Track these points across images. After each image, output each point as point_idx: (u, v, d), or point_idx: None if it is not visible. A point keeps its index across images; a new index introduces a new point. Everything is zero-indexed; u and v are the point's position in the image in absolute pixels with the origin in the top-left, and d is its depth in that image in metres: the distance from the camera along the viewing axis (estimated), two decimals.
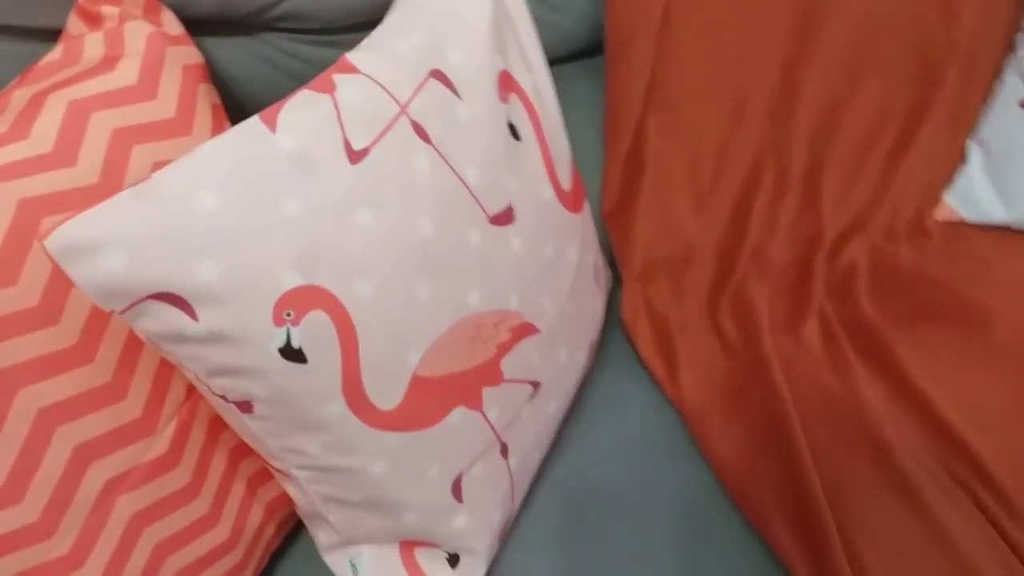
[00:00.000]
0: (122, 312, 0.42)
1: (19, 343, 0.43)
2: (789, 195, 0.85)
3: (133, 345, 0.49)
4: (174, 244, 0.41)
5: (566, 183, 0.62)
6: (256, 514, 0.58)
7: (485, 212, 0.53)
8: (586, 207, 0.66)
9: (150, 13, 0.56)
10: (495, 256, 0.54)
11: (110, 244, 0.39)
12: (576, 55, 0.78)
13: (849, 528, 0.65)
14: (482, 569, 0.62)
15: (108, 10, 0.54)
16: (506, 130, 0.56)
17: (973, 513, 0.67)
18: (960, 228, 0.90)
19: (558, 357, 0.63)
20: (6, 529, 0.44)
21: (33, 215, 0.43)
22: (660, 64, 0.75)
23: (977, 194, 0.88)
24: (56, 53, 0.53)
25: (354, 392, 0.48)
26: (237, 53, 0.62)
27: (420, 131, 0.50)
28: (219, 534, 0.55)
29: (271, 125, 0.45)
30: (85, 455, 0.47)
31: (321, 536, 0.60)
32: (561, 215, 0.61)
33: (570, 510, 0.68)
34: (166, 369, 0.51)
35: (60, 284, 0.45)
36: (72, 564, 0.47)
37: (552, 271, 0.59)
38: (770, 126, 0.82)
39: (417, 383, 0.51)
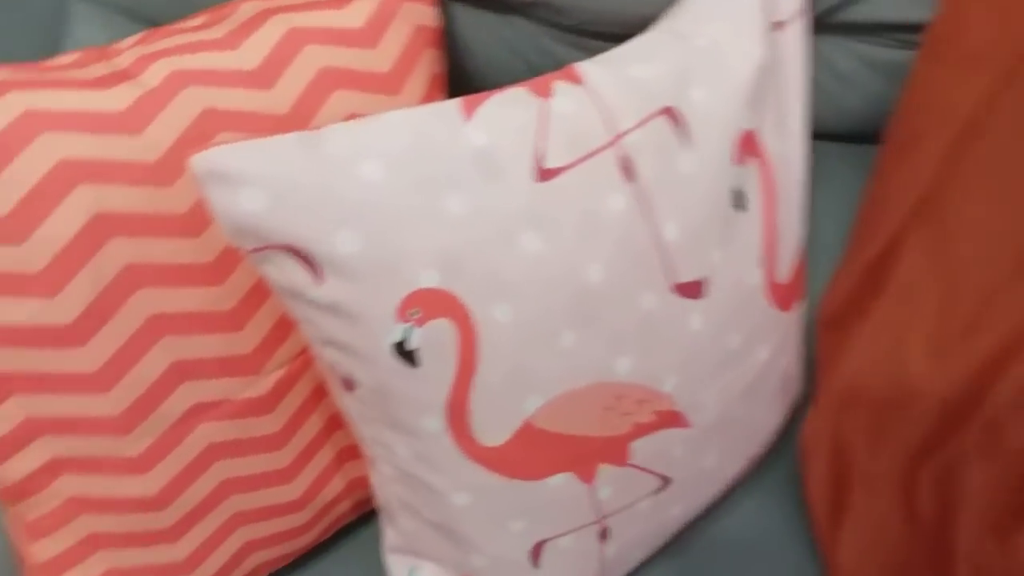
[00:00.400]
0: (250, 252, 0.40)
1: (155, 245, 0.43)
2: None
3: (266, 283, 0.47)
4: (323, 203, 0.38)
5: (784, 275, 0.52)
6: (336, 486, 0.56)
7: (671, 277, 0.45)
8: (797, 308, 0.56)
9: None
10: (665, 328, 0.46)
11: (256, 183, 0.37)
12: (844, 136, 0.67)
13: None
14: None
15: None
16: (728, 195, 0.48)
17: None
18: None
19: (704, 461, 0.54)
20: (87, 413, 0.44)
21: (211, 126, 0.42)
22: (945, 176, 0.62)
23: None
24: None
25: (457, 415, 0.43)
26: (480, 29, 0.59)
27: (627, 168, 0.44)
28: (291, 491, 0.53)
29: (468, 114, 0.41)
30: (182, 371, 0.46)
31: (389, 534, 0.56)
32: (763, 309, 0.51)
33: None
34: (292, 320, 0.49)
35: None
36: (137, 467, 0.47)
37: (729, 366, 0.51)
38: None
39: (527, 431, 0.44)
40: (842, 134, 0.66)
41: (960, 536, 0.63)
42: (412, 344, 0.41)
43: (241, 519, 0.52)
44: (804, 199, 0.52)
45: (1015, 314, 0.68)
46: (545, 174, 0.41)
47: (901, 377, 0.69)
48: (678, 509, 0.55)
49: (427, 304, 0.40)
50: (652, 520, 0.54)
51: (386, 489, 0.51)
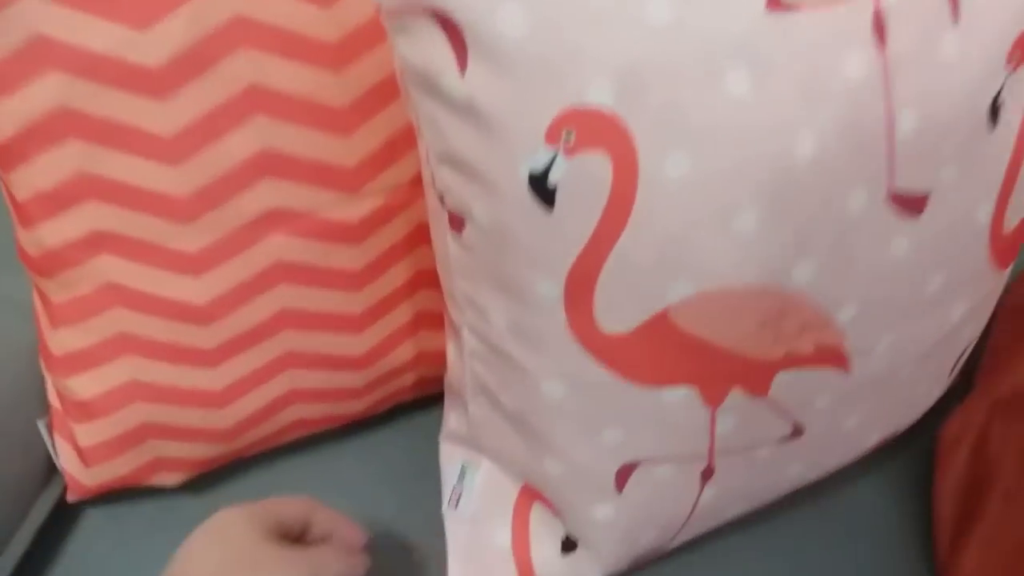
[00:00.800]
0: (390, 13, 0.31)
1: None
2: None
3: (391, 85, 0.38)
4: None
5: (1012, 221, 0.41)
6: (404, 352, 0.48)
7: (891, 180, 0.35)
8: (1007, 270, 0.45)
9: None
10: (864, 241, 0.36)
11: None
12: None
13: None
14: (596, 574, 0.47)
15: None
16: (987, 104, 0.36)
17: None
18: None
19: (847, 420, 0.44)
20: (148, 185, 0.37)
21: None
22: None
23: None
24: None
25: (582, 283, 0.34)
26: None
27: (879, 28, 0.33)
28: (355, 344, 0.45)
29: None
30: (267, 164, 0.38)
31: (452, 420, 0.48)
32: (978, 255, 0.41)
33: None
34: (407, 138, 0.40)
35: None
36: (192, 265, 0.40)
37: (918, 314, 0.40)
38: None
39: (660, 325, 0.35)
40: None
41: None
42: (555, 176, 0.32)
43: (293, 360, 0.44)
44: None
45: None
46: (780, 4, 0.31)
47: None
48: (797, 468, 0.46)
49: (587, 127, 0.31)
50: (766, 473, 0.45)
51: (464, 366, 0.43)
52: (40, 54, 0.33)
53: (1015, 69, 0.37)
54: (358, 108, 0.38)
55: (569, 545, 0.47)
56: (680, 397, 0.38)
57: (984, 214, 0.39)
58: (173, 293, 0.40)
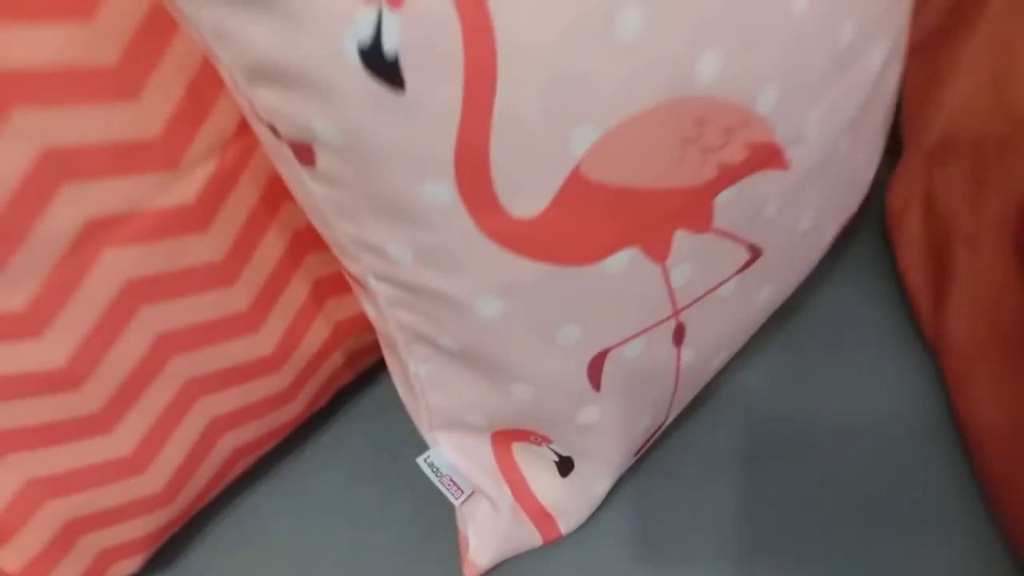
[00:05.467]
0: None
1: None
2: None
3: (162, 27, 0.31)
4: None
5: None
6: (318, 332, 0.42)
7: None
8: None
9: None
10: (763, 8, 0.31)
11: None
12: None
13: None
14: (604, 485, 0.43)
15: None
16: None
17: None
18: None
19: (799, 221, 0.40)
20: None
21: None
22: None
23: None
24: None
25: (473, 169, 0.29)
26: None
27: None
28: (257, 345, 0.39)
29: None
30: (59, 164, 0.30)
31: (404, 395, 0.43)
32: None
33: (748, 444, 0.47)
34: (209, 74, 0.33)
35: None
36: (26, 326, 0.32)
37: (839, 73, 0.36)
38: None
39: (577, 185, 0.30)
40: None
41: None
42: (389, 43, 0.25)
43: (197, 388, 0.38)
44: None
45: None
46: None
47: (1008, 109, 0.55)
48: (767, 291, 0.42)
49: None
50: (737, 309, 0.41)
51: (389, 321, 0.37)
52: None
53: None
54: (132, 59, 0.30)
55: (566, 465, 0.42)
56: (625, 263, 0.33)
57: None
58: (22, 365, 0.32)
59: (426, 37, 0.25)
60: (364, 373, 0.50)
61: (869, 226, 0.56)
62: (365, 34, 0.25)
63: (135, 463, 0.37)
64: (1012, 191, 0.55)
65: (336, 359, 0.44)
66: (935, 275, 0.53)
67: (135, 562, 0.41)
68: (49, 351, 0.33)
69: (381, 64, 0.26)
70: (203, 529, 0.46)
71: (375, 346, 0.45)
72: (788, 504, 0.44)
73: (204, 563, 0.44)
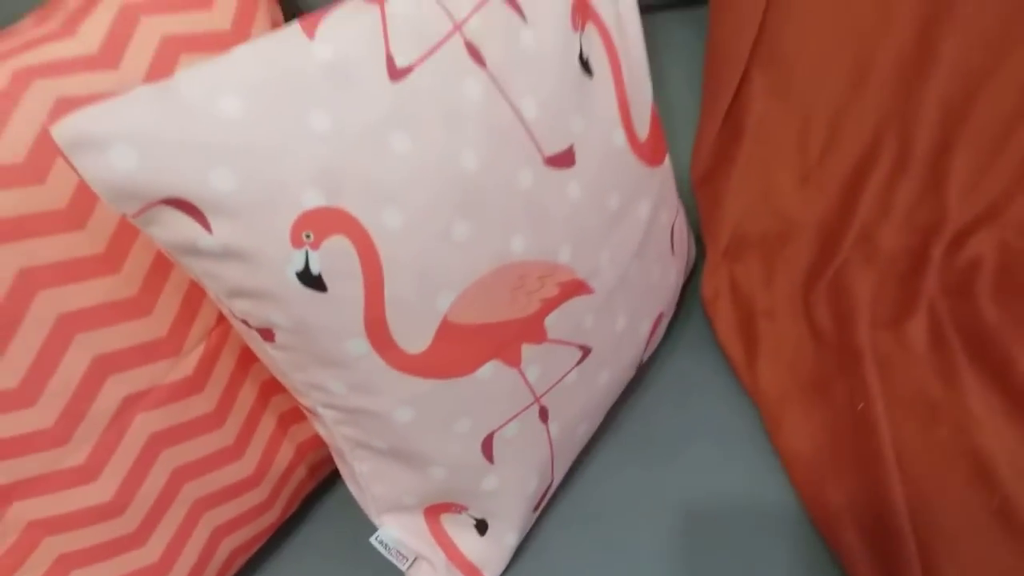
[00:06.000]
0: (134, 216, 0.40)
1: (42, 244, 0.43)
2: (910, 174, 0.75)
3: (163, 262, 0.47)
4: (190, 147, 0.39)
5: (642, 131, 0.56)
6: (286, 453, 0.57)
7: (541, 151, 0.48)
8: (667, 164, 0.61)
9: None
10: (547, 201, 0.49)
11: (121, 139, 0.37)
12: (681, 2, 0.71)
13: (933, 548, 0.57)
14: (514, 538, 0.58)
15: None
16: (577, 63, 0.51)
17: None
18: None
19: (615, 324, 0.57)
20: (19, 431, 0.44)
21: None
22: (773, 12, 0.67)
23: None
24: None
25: (378, 330, 0.45)
26: None
27: (475, 53, 0.46)
28: (243, 468, 0.54)
29: (310, 33, 0.42)
30: (104, 367, 0.46)
31: (354, 490, 0.57)
32: (633, 166, 0.55)
33: (621, 491, 0.63)
34: (197, 291, 0.49)
35: (89, 189, 0.44)
36: (86, 475, 0.47)
37: (615, 226, 0.54)
38: (897, 94, 0.73)
39: (447, 328, 0.47)
40: (677, 1, 0.71)
41: (859, 336, 0.70)
42: (315, 268, 0.42)
43: (202, 506, 0.52)
44: (644, 56, 0.56)
45: (864, 125, 0.74)
46: (398, 73, 0.43)
47: (777, 212, 0.74)
48: (605, 375, 0.59)
49: (317, 224, 0.42)
50: (584, 391, 0.57)
51: (335, 435, 0.52)
52: None
53: (582, 29, 0.52)
54: (147, 290, 0.47)
55: (481, 526, 0.57)
56: (490, 371, 0.50)
57: (618, 138, 0.53)
58: (84, 503, 0.47)
59: (338, 263, 0.42)
60: (324, 482, 0.65)
61: (697, 314, 0.74)
62: (299, 265, 0.42)
63: (161, 568, 0.51)
64: (794, 273, 0.75)
65: (301, 471, 0.59)
66: (745, 343, 0.71)
67: None
68: (101, 490, 0.47)
69: (310, 279, 0.42)
70: None
71: (329, 458, 0.60)
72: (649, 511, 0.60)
73: None
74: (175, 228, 0.41)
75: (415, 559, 0.57)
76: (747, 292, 0.73)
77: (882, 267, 0.75)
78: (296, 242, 0.41)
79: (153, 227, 0.41)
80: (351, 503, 0.58)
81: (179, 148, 0.39)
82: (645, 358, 0.66)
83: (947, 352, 0.70)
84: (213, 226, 0.40)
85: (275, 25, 0.53)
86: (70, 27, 0.45)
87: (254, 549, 0.59)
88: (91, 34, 0.45)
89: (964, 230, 0.77)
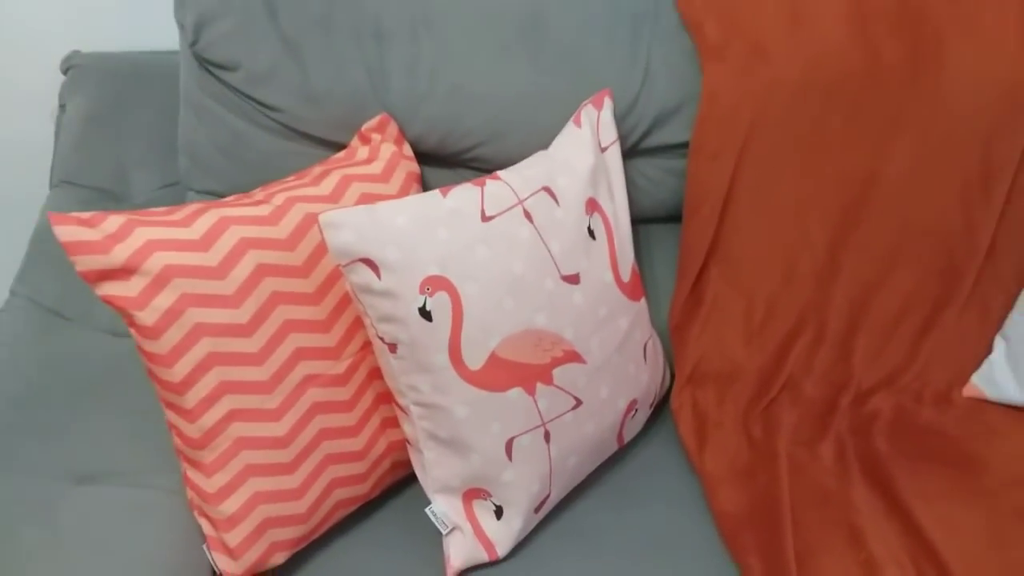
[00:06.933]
0: (344, 266, 0.78)
1: (285, 282, 0.81)
2: (825, 347, 1.08)
3: (344, 304, 0.85)
4: (379, 235, 0.77)
5: (625, 276, 0.93)
6: (381, 445, 0.89)
7: (559, 271, 0.85)
8: (643, 302, 0.96)
9: (397, 143, 0.97)
10: (561, 300, 0.85)
11: (347, 226, 0.76)
12: (667, 219, 1.10)
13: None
14: (519, 524, 0.87)
15: (375, 136, 0.96)
16: (586, 230, 0.89)
17: None
18: (981, 404, 1.07)
19: (600, 391, 0.90)
20: (249, 379, 0.79)
21: (310, 224, 0.82)
22: (724, 226, 1.05)
23: (998, 379, 1.07)
24: (343, 152, 0.95)
25: (455, 351, 0.80)
26: (441, 173, 1.03)
27: (528, 216, 0.85)
28: (356, 443, 0.87)
29: (444, 194, 0.82)
30: (299, 354, 0.82)
31: (420, 475, 0.89)
32: (615, 295, 0.91)
33: (599, 518, 0.92)
34: (357, 326, 0.86)
35: (322, 254, 0.82)
36: (275, 416, 0.81)
37: (602, 327, 0.89)
38: (815, 289, 1.08)
39: (494, 359, 0.81)
40: (662, 217, 1.10)
41: (781, 450, 1.00)
42: (428, 307, 0.78)
43: (329, 460, 0.85)
44: (630, 235, 0.94)
45: (791, 308, 1.09)
46: (486, 218, 0.82)
47: (728, 359, 1.08)
48: (591, 426, 0.91)
49: (433, 284, 0.78)
50: (576, 431, 0.89)
51: (416, 428, 0.85)
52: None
53: (591, 215, 0.90)
54: (332, 317, 0.83)
55: (499, 512, 0.87)
56: (516, 394, 0.83)
57: (608, 276, 0.90)
58: (269, 433, 0.80)
59: (440, 307, 0.78)
60: (396, 488, 0.95)
61: (669, 421, 1.05)
62: (420, 303, 0.78)
63: (300, 492, 0.82)
64: (738, 402, 1.07)
65: (387, 463, 0.91)
66: (698, 441, 1.01)
67: (282, 556, 0.84)
68: (280, 427, 0.81)
69: (425, 313, 0.78)
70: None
71: (405, 461, 0.91)
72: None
73: None
74: (362, 275, 0.78)
75: (453, 528, 0.87)
76: (703, 409, 1.05)
77: (803, 408, 1.07)
78: (421, 291, 0.78)
79: (352, 274, 0.78)
80: (413, 504, 0.90)
81: (374, 233, 0.77)
82: (626, 437, 0.98)
83: (846, 467, 0.99)
84: (382, 276, 0.78)
85: (411, 173, 0.94)
86: (315, 181, 0.87)
87: (350, 509, 0.89)
88: (330, 186, 0.87)
89: (868, 391, 1.08)
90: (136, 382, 0.89)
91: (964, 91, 1.00)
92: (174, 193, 1.11)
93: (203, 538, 0.83)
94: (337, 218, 0.77)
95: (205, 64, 0.95)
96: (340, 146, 0.99)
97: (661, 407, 1.07)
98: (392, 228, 0.78)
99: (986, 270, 1.07)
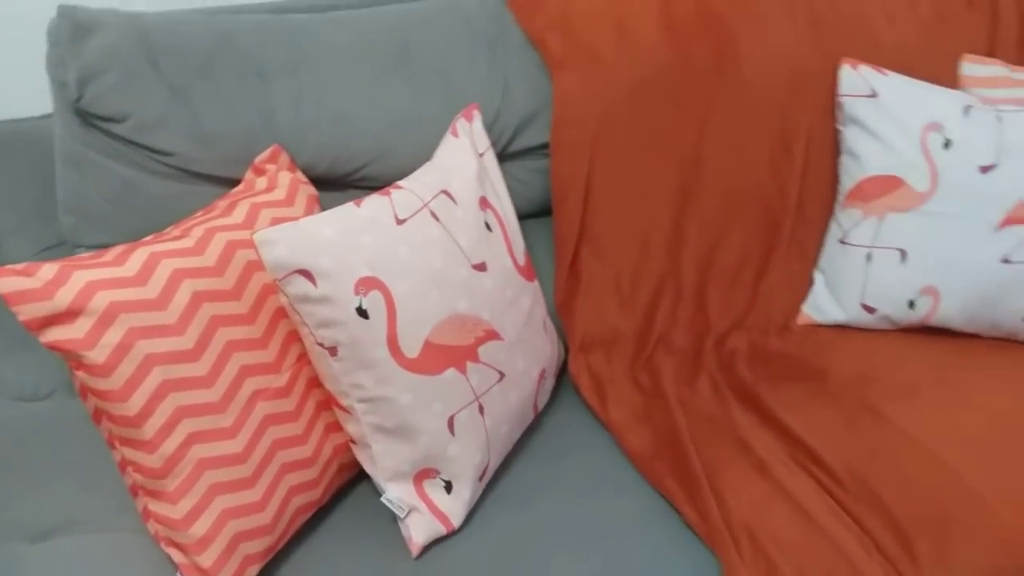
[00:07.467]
0: (281, 279, 0.84)
1: (220, 306, 0.85)
2: (685, 303, 1.26)
3: (277, 320, 0.90)
4: (309, 246, 0.84)
5: (521, 261, 1.05)
6: (328, 449, 0.95)
7: (469, 261, 0.96)
8: (537, 284, 1.09)
9: (291, 170, 1.04)
10: (475, 287, 0.96)
11: (280, 241, 0.83)
12: (540, 213, 1.24)
13: (719, 486, 0.99)
14: (468, 494, 0.96)
15: (270, 167, 1.03)
16: (483, 224, 1.01)
17: (809, 482, 1.01)
18: (814, 327, 1.29)
19: (517, 364, 1.01)
20: (202, 401, 0.83)
21: (233, 250, 0.88)
22: (588, 212, 1.21)
23: (822, 305, 1.29)
24: (241, 185, 1.01)
25: (392, 343, 0.88)
26: (333, 196, 1.10)
27: (435, 216, 0.95)
28: (306, 450, 0.92)
29: (358, 205, 0.91)
30: (245, 372, 0.86)
31: (370, 469, 0.95)
32: (516, 278, 1.03)
33: (532, 476, 1.03)
34: (292, 338, 0.91)
35: (249, 276, 0.88)
36: (231, 434, 0.85)
37: (511, 307, 1.01)
38: (667, 258, 1.26)
39: (428, 345, 0.90)
40: (535, 212, 1.24)
41: (668, 392, 1.16)
42: (364, 306, 0.86)
43: (285, 469, 0.90)
44: (517, 226, 1.06)
45: (652, 276, 1.26)
46: (400, 222, 0.91)
47: (608, 326, 1.23)
48: (514, 396, 1.02)
49: (366, 284, 0.86)
50: (503, 402, 1.00)
51: (362, 424, 0.92)
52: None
53: (485, 210, 1.02)
54: (267, 334, 0.89)
55: (448, 487, 0.96)
56: (451, 374, 0.93)
57: (508, 261, 1.02)
58: (226, 451, 0.84)
59: (375, 305, 0.87)
60: (346, 489, 1.01)
61: (569, 388, 1.18)
62: (356, 304, 0.86)
63: (263, 504, 0.86)
64: (624, 360, 1.21)
65: (334, 466, 0.96)
66: (600, 398, 1.15)
67: (255, 569, 0.87)
68: (237, 445, 0.85)
69: (362, 312, 0.86)
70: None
71: (352, 463, 0.98)
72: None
73: None
74: (299, 286, 0.85)
75: (409, 511, 0.94)
76: (597, 371, 1.19)
77: (677, 355, 1.24)
78: (356, 293, 0.86)
79: (288, 287, 0.85)
80: (362, 500, 0.96)
81: (306, 248, 0.84)
82: (539, 405, 1.09)
83: (722, 396, 1.16)
84: (318, 284, 0.85)
85: (311, 196, 1.02)
86: (200, 247, 0.92)
87: (309, 514, 0.94)
88: (241, 214, 0.92)
89: (724, 334, 1.27)
90: (60, 441, 0.90)
91: (759, 77, 1.22)
92: (55, 255, 1.10)
93: (175, 568, 0.85)
94: (270, 235, 0.83)
95: (91, 118, 0.98)
96: (234, 181, 1.05)
97: (560, 378, 1.20)
98: (320, 239, 0.86)
99: (798, 219, 1.30)
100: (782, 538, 0.94)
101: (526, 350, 1.03)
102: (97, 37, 0.96)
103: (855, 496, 0.99)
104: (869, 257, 1.24)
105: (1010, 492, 0.99)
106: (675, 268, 1.27)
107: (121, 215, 1.03)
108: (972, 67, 1.30)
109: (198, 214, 0.96)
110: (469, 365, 0.94)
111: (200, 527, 0.83)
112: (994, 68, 1.29)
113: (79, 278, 0.78)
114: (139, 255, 0.83)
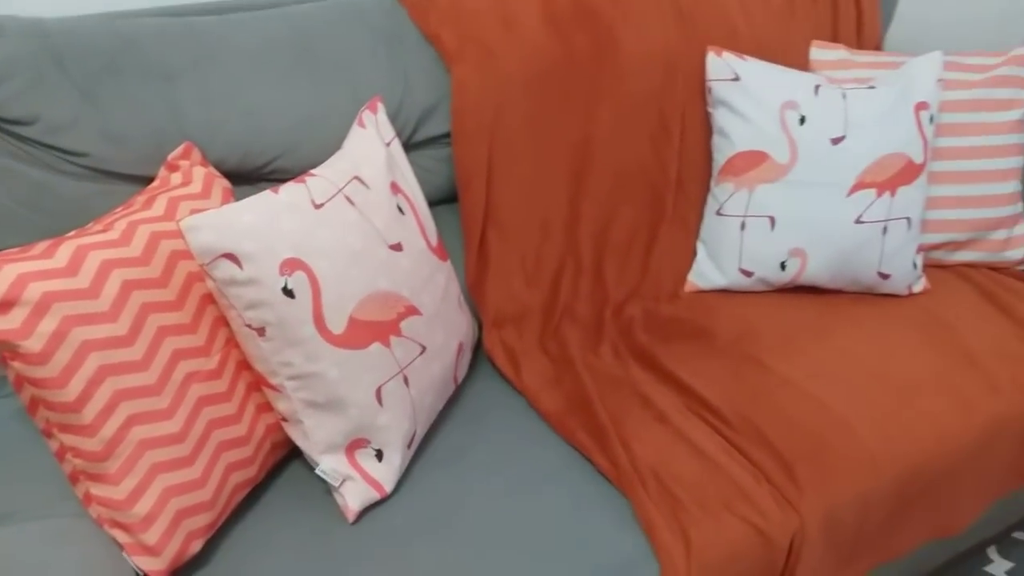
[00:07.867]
0: (207, 264, 0.88)
1: (150, 293, 0.89)
2: (584, 277, 1.37)
3: (204, 306, 0.94)
4: (234, 231, 0.89)
5: (433, 242, 1.12)
6: (260, 427, 0.99)
7: (386, 242, 1.03)
8: (449, 263, 1.16)
9: (204, 164, 1.08)
10: (393, 266, 1.02)
11: (205, 227, 0.87)
12: (446, 200, 1.32)
13: (625, 436, 1.10)
14: (398, 460, 1.02)
15: (183, 163, 1.06)
16: (396, 208, 1.07)
17: (703, 427, 1.13)
18: (699, 293, 1.42)
19: (437, 337, 1.09)
20: (139, 384, 0.86)
21: (157, 241, 0.91)
22: (491, 196, 1.30)
23: (705, 272, 1.42)
24: (156, 181, 1.04)
25: (319, 320, 0.94)
26: (245, 189, 1.14)
27: (349, 200, 1.01)
28: (240, 429, 0.96)
29: (276, 192, 0.96)
30: (177, 355, 0.90)
31: (302, 443, 1.00)
32: (430, 258, 1.10)
33: (456, 440, 1.10)
34: (220, 323, 0.95)
35: (174, 264, 0.91)
36: (168, 415, 0.88)
37: (428, 284, 1.08)
38: (566, 236, 1.36)
39: (353, 321, 0.96)
40: (442, 199, 1.31)
41: (575, 358, 1.25)
42: (290, 286, 0.92)
43: (222, 447, 0.94)
44: (427, 208, 1.13)
45: (553, 254, 1.36)
46: (318, 206, 0.97)
47: (517, 302, 1.32)
48: (436, 367, 1.09)
49: (290, 265, 0.92)
50: (427, 373, 1.07)
51: (293, 401, 0.97)
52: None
53: (396, 195, 1.09)
54: (196, 319, 0.93)
55: (379, 455, 1.02)
56: (376, 348, 0.99)
57: (421, 243, 1.09)
58: (165, 431, 0.87)
59: (300, 284, 0.92)
60: (280, 468, 1.05)
61: (485, 362, 1.26)
62: (282, 284, 0.91)
63: (202, 481, 0.90)
64: (533, 332, 1.30)
65: (267, 444, 1.01)
66: (514, 368, 1.23)
67: (199, 544, 0.91)
68: (174, 424, 0.88)
69: (288, 292, 0.91)
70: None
71: (284, 441, 1.02)
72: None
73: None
74: (225, 269, 0.89)
75: (344, 480, 1.00)
76: (510, 344, 1.27)
77: (580, 325, 1.34)
78: (281, 273, 0.91)
79: (215, 271, 0.89)
80: (296, 478, 1.01)
81: (230, 232, 0.89)
82: (459, 378, 1.17)
83: (622, 358, 1.27)
84: (244, 267, 0.89)
85: (226, 188, 1.06)
86: (125, 238, 0.96)
87: (246, 491, 0.98)
88: (161, 207, 0.96)
89: (621, 303, 1.38)
90: None
91: (636, 65, 1.34)
92: None
93: (120, 548, 0.87)
94: (195, 222, 0.87)
95: None
96: (148, 179, 1.07)
97: (476, 354, 1.28)
98: (243, 224, 0.90)
99: (680, 195, 1.42)
100: (683, 476, 1.05)
101: (444, 324, 1.11)
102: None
103: (743, 435, 1.12)
104: (743, 226, 1.38)
105: (875, 422, 1.14)
106: (574, 245, 1.37)
107: (35, 217, 1.04)
108: (819, 52, 1.47)
109: (118, 210, 0.98)
110: (392, 339, 1.01)
111: (143, 506, 0.86)
112: (838, 52, 1.46)
113: (10, 270, 0.80)
114: (67, 248, 0.86)
